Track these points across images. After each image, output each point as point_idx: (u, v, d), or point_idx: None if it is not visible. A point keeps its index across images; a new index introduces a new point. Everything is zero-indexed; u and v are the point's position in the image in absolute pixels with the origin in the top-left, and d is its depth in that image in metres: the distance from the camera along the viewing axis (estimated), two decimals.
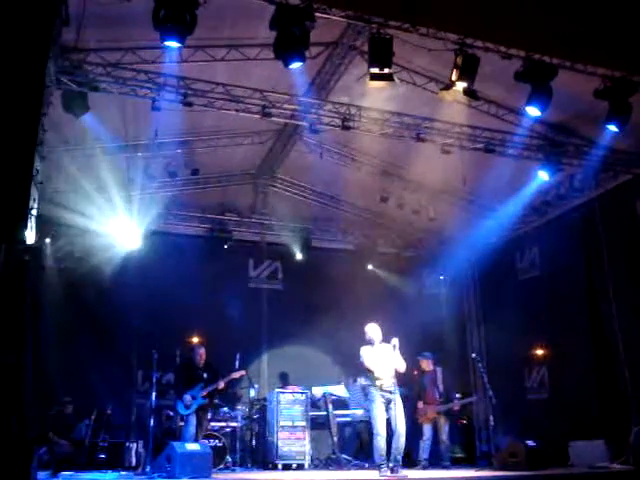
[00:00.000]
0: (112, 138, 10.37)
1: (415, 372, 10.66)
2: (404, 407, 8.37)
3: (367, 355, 8.36)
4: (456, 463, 11.15)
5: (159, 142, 10.53)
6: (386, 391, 8.17)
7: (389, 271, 14.29)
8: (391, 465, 7.88)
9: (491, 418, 10.09)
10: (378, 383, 8.21)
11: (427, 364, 10.83)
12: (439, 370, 10.80)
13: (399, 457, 7.99)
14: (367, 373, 8.41)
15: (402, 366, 8.31)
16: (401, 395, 8.40)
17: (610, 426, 10.24)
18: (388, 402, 8.14)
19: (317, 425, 11.33)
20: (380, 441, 8.02)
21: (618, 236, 10.73)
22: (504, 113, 10.10)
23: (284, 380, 12.07)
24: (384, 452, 8.00)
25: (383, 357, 8.32)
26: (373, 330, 8.55)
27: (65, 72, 8.30)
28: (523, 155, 10.44)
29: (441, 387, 10.81)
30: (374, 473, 8.30)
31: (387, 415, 8.14)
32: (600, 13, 7.65)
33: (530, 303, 12.33)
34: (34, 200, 6.30)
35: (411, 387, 10.61)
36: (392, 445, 8.01)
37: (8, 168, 5.76)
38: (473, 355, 12.14)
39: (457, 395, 10.83)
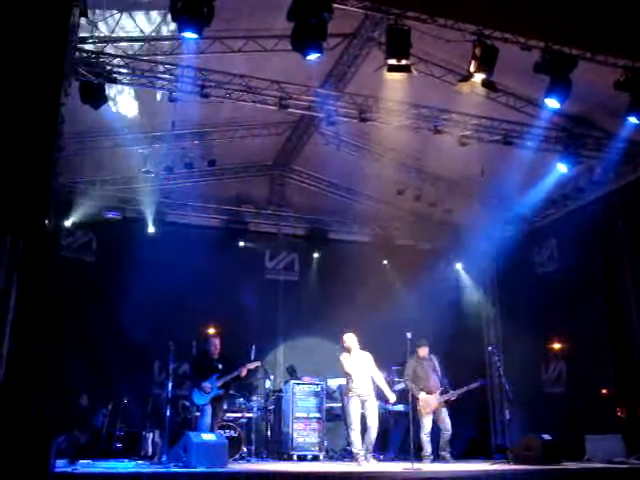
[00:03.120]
0: (129, 129, 10.42)
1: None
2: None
3: (346, 361, 9.32)
4: (469, 456, 11.13)
5: (176, 133, 10.57)
6: (362, 394, 9.17)
7: (405, 263, 14.24)
8: (367, 455, 9.05)
9: (507, 411, 10.04)
10: (355, 387, 9.20)
11: (425, 351, 10.33)
12: (435, 358, 10.50)
13: (371, 447, 9.22)
14: (346, 376, 9.35)
15: (378, 377, 9.47)
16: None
17: (627, 420, 10.17)
18: (363, 402, 9.17)
19: (332, 417, 11.37)
20: (355, 434, 9.06)
21: (637, 229, 10.60)
22: (523, 105, 10.01)
23: (292, 374, 12.01)
24: (360, 444, 9.03)
25: (361, 364, 9.32)
26: (351, 339, 9.45)
27: (83, 63, 8.35)
28: (542, 147, 10.36)
29: (440, 374, 10.28)
30: (389, 465, 8.42)
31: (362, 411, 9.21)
32: (621, 3, 7.54)
33: (548, 296, 12.24)
34: (52, 191, 6.34)
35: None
36: (365, 438, 9.13)
37: (27, 159, 5.80)
38: (490, 348, 12.08)
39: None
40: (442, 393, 10.08)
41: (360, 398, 9.16)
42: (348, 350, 9.40)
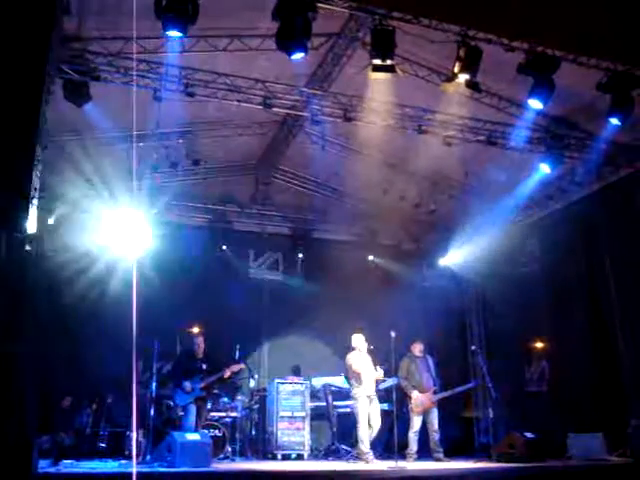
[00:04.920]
0: (113, 128, 10.35)
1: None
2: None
3: (355, 360, 9.60)
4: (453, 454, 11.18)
5: (160, 132, 10.52)
6: (370, 394, 9.49)
7: (390, 263, 14.30)
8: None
9: (490, 410, 10.10)
10: (364, 385, 9.47)
11: (419, 349, 10.33)
12: (430, 359, 10.52)
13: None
14: (354, 375, 9.59)
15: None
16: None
17: (608, 419, 10.28)
18: (370, 401, 9.47)
19: (317, 416, 11.40)
20: (364, 433, 9.30)
21: (619, 229, 10.72)
22: (506, 105, 10.08)
23: (296, 373, 12.14)
24: (369, 444, 9.31)
25: (368, 364, 9.63)
26: (359, 340, 9.78)
27: (66, 61, 8.29)
28: (525, 148, 10.43)
29: (433, 374, 10.29)
30: (374, 463, 8.49)
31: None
32: (604, 6, 7.62)
33: (530, 296, 12.33)
34: (35, 190, 6.31)
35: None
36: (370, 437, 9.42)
37: (9, 157, 5.76)
38: (473, 347, 12.16)
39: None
40: (434, 393, 10.08)
41: (368, 397, 9.49)
42: (355, 350, 9.73)
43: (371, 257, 14.31)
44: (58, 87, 8.20)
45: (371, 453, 9.29)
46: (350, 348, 9.78)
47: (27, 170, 5.94)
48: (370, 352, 9.80)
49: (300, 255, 14.22)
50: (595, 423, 10.20)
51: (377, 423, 9.50)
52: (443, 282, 14.45)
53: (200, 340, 9.80)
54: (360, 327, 10.17)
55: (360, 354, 9.69)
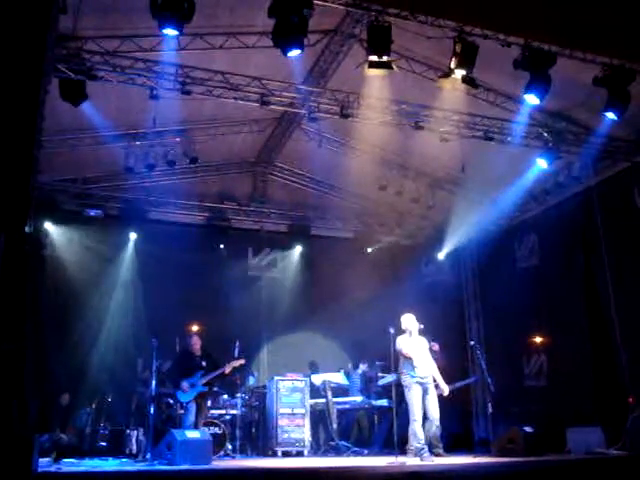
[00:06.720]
0: (110, 126, 10.36)
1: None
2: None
3: (405, 343, 8.69)
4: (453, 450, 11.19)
5: (158, 130, 10.53)
6: (424, 381, 8.61)
7: (388, 259, 14.30)
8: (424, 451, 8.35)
9: (489, 405, 10.11)
10: (416, 370, 8.59)
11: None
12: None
13: (436, 442, 8.88)
14: (405, 360, 8.69)
15: (433, 365, 8.98)
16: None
17: (607, 412, 10.30)
18: (425, 390, 8.62)
19: (316, 412, 11.39)
20: (417, 427, 8.45)
21: (616, 224, 10.73)
22: (503, 101, 10.09)
23: (314, 369, 12.17)
24: (422, 437, 8.43)
25: (420, 347, 8.79)
26: (409, 320, 8.87)
27: (62, 60, 8.29)
28: (522, 143, 10.43)
29: None
30: (373, 460, 8.46)
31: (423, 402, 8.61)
32: (599, 1, 7.63)
33: (529, 291, 12.34)
34: (33, 189, 6.30)
35: None
36: (425, 432, 8.59)
37: (7, 157, 5.75)
38: (472, 342, 12.16)
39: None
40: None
41: (422, 386, 8.61)
42: (406, 332, 8.80)
43: (367, 257, 14.32)
44: (54, 86, 8.19)
45: (426, 448, 8.41)
46: (400, 330, 8.79)
47: (25, 170, 5.93)
48: (422, 333, 8.92)
49: (298, 252, 14.25)
50: (594, 417, 10.23)
51: (435, 414, 8.63)
52: (442, 277, 14.47)
53: (195, 339, 9.82)
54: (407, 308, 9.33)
55: (411, 336, 8.77)
